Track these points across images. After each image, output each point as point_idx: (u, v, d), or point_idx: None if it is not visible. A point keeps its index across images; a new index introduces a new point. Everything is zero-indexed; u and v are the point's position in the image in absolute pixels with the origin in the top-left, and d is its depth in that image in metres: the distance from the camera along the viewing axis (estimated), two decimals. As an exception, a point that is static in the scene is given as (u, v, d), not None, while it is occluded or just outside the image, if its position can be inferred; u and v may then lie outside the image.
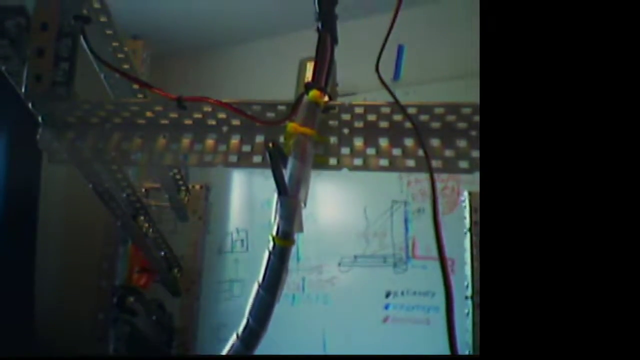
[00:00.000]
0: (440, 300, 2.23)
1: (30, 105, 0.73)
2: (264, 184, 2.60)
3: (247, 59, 2.93)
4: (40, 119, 0.76)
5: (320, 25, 0.72)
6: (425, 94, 2.24)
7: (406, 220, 2.39)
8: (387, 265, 2.38)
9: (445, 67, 2.38)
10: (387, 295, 2.35)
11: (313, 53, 0.72)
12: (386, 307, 2.34)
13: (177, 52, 2.97)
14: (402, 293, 2.33)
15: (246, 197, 2.76)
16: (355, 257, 2.44)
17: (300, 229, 0.67)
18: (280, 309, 0.67)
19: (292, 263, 0.67)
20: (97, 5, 0.83)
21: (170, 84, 2.48)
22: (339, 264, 2.46)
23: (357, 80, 1.52)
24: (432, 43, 2.39)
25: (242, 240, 2.69)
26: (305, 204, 0.67)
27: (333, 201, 2.50)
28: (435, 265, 0.62)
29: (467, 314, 1.34)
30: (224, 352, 0.67)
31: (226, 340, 0.67)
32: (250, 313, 0.66)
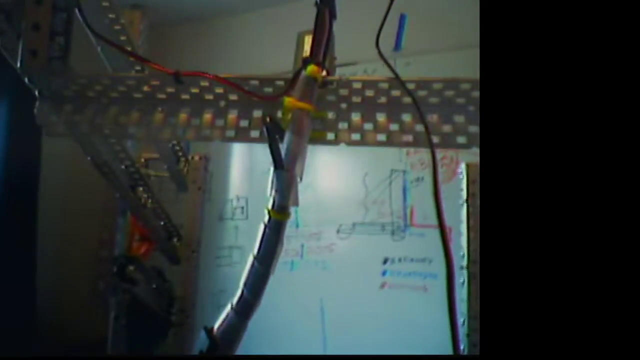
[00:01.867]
0: (437, 267, 2.27)
1: (26, 80, 0.73)
2: (264, 153, 2.58)
3: (246, 28, 2.90)
4: (37, 93, 0.76)
5: (318, 0, 0.72)
6: (427, 64, 2.24)
7: (405, 189, 2.41)
8: (385, 233, 2.40)
9: (447, 38, 2.35)
10: (385, 262, 2.37)
11: (312, 23, 0.72)
12: (383, 273, 2.37)
13: (176, 21, 2.94)
14: (400, 260, 2.36)
15: (246, 165, 2.77)
16: (354, 224, 2.46)
17: (296, 203, 0.67)
18: (278, 275, 0.68)
19: (291, 229, 0.68)
20: (92, -24, 0.82)
21: (169, 53, 2.47)
22: (338, 231, 2.48)
23: (358, 50, 1.51)
24: (435, 12, 2.36)
25: (242, 208, 2.71)
26: (301, 179, 0.68)
27: (333, 169, 2.51)
28: (433, 233, 0.63)
29: (463, 283, 1.36)
30: (218, 322, 0.68)
31: (225, 306, 0.69)
32: (244, 284, 0.67)
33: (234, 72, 0.75)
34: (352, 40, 1.45)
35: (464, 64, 1.24)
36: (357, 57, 2.22)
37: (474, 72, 0.68)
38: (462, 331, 1.33)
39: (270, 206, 0.67)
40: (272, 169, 0.66)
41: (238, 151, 2.79)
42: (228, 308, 0.69)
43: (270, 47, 2.58)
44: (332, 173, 2.51)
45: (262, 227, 0.67)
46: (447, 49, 2.31)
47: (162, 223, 1.41)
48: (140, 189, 1.14)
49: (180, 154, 1.46)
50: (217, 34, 2.96)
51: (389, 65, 0.74)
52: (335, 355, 2.35)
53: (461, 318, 1.34)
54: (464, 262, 1.38)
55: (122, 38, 0.91)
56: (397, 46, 0.80)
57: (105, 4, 0.86)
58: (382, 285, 2.36)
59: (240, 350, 0.67)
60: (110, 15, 0.88)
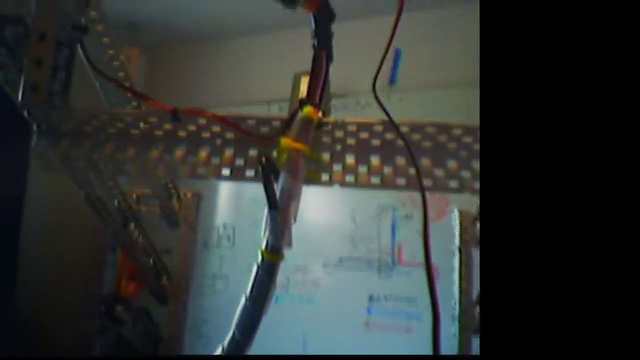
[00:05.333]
0: (422, 308, 2.25)
1: (25, 113, 0.73)
2: (252, 182, 2.58)
3: (242, 53, 2.90)
4: (34, 127, 0.76)
5: (316, 42, 0.73)
6: (421, 101, 2.26)
7: (393, 226, 2.40)
8: (372, 270, 2.39)
9: (442, 75, 2.38)
10: (370, 299, 2.36)
11: (306, 51, 0.73)
12: (369, 311, 2.35)
13: (174, 43, 2.95)
14: (386, 298, 2.34)
15: (234, 193, 2.74)
16: (341, 259, 2.45)
17: (290, 244, 0.67)
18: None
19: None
20: (94, 14, 0.83)
21: (165, 74, 2.46)
22: (324, 266, 2.46)
23: (351, 82, 1.52)
24: (431, 49, 2.40)
25: (228, 236, 2.68)
26: (295, 220, 0.68)
27: (321, 203, 2.50)
28: (420, 273, 0.62)
29: (454, 335, 1.32)
30: (210, 364, 0.68)
31: (207, 336, 0.68)
32: (236, 326, 0.67)
33: (228, 96, 0.76)
34: (344, 72, 1.47)
35: (458, 101, 1.26)
36: (348, 89, 2.24)
37: (467, 110, 0.69)
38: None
39: (263, 247, 0.67)
40: (266, 209, 0.66)
41: (226, 179, 2.76)
42: (219, 349, 0.68)
43: (264, 72, 2.59)
44: (320, 206, 2.50)
45: (254, 268, 0.67)
46: (443, 86, 2.34)
47: (151, 261, 1.40)
48: (132, 225, 1.13)
49: (172, 190, 1.46)
50: (211, 57, 2.96)
51: (384, 110, 0.75)
52: (333, 355, 2.31)
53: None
54: (456, 313, 1.35)
55: (121, 74, 0.92)
56: (392, 81, 0.81)
57: (105, 40, 0.87)
58: (367, 324, 2.34)
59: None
60: (110, 52, 0.89)
